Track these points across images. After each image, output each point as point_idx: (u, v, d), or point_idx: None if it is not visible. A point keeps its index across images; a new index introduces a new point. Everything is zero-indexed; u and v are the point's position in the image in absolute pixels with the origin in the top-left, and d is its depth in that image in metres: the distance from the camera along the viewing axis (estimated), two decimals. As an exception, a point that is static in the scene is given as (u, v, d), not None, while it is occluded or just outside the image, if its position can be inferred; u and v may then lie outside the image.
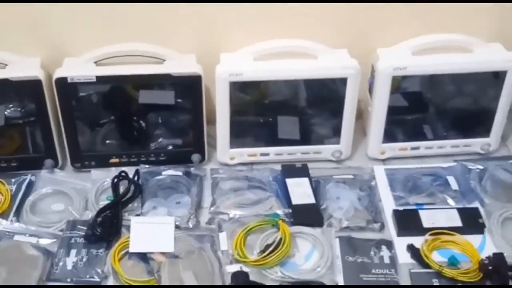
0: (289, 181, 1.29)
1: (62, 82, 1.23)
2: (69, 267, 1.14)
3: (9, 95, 1.32)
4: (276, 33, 1.28)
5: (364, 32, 1.32)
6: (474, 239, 1.17)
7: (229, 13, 1.29)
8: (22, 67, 1.24)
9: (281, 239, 1.15)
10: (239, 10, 1.29)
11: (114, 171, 1.31)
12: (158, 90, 1.33)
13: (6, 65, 1.24)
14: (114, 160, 1.34)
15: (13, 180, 1.30)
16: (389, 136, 1.34)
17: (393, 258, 1.15)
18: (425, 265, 1.13)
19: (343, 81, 1.26)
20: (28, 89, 1.25)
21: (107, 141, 1.36)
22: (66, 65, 1.26)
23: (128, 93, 1.32)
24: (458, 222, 1.21)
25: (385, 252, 1.15)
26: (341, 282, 1.11)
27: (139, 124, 1.36)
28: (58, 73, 1.23)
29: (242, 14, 1.30)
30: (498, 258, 1.11)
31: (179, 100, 1.32)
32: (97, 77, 1.23)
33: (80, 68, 1.24)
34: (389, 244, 1.17)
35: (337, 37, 1.30)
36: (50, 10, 1.28)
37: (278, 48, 1.26)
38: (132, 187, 1.28)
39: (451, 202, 1.26)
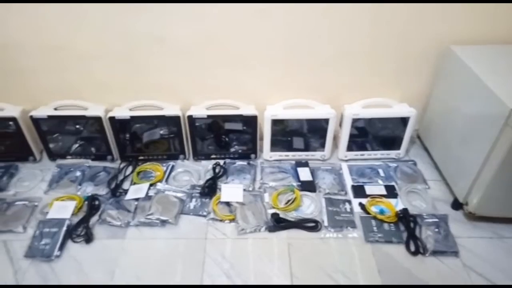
0: (299, 169, 1.28)
1: (190, 118, 1.25)
2: (192, 207, 1.16)
3: (163, 123, 1.35)
4: (294, 95, 1.28)
5: (338, 96, 1.30)
6: (392, 201, 1.16)
7: (271, 85, 1.29)
8: (171, 110, 1.26)
9: (295, 197, 1.16)
10: (276, 85, 1.29)
11: (213, 161, 1.32)
12: (235, 122, 1.33)
13: (162, 108, 1.26)
14: (213, 156, 1.35)
15: (164, 164, 1.32)
16: (349, 148, 1.33)
17: (351, 209, 1.14)
18: (367, 213, 1.12)
19: (327, 120, 1.26)
20: (173, 121, 1.27)
21: (210, 147, 1.36)
22: (192, 109, 1.28)
23: (220, 124, 1.34)
24: (384, 192, 1.20)
25: (347, 206, 1.15)
26: (325, 220, 1.10)
27: (225, 139, 1.37)
28: (188, 113, 1.25)
29: (277, 86, 1.29)
30: (404, 210, 1.11)
31: (244, 127, 1.32)
32: (207, 115, 1.25)
33: (199, 110, 1.26)
34: (349, 202, 1.16)
35: (324, 99, 1.29)
36: (178, 82, 1.28)
37: (294, 103, 1.26)
38: (222, 170, 1.29)
39: (380, 182, 1.24)
